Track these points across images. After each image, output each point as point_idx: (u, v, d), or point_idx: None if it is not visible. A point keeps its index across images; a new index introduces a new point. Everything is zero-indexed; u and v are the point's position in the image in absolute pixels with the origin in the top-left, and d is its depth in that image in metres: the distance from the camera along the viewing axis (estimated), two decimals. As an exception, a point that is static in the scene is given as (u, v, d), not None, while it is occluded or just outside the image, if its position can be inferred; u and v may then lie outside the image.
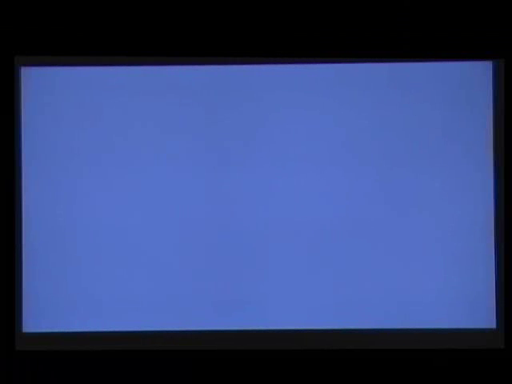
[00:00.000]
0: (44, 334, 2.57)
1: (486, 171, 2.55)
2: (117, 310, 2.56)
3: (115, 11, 2.55)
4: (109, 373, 2.56)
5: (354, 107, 2.56)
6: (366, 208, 2.55)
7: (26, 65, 2.58)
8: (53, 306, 2.57)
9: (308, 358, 2.54)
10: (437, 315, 2.54)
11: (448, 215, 2.54)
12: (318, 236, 2.55)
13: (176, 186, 2.57)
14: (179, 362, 2.56)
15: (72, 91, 2.58)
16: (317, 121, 2.56)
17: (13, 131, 2.57)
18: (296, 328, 2.55)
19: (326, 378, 2.54)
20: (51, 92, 2.58)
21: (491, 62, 2.56)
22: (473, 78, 2.56)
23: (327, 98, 2.56)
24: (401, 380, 2.54)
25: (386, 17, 2.54)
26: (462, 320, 2.54)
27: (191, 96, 2.58)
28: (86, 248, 2.57)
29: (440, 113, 2.55)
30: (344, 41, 2.54)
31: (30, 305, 2.57)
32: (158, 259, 2.57)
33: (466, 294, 2.54)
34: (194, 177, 2.57)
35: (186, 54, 2.55)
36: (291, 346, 2.55)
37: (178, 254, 2.57)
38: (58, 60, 2.57)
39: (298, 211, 2.55)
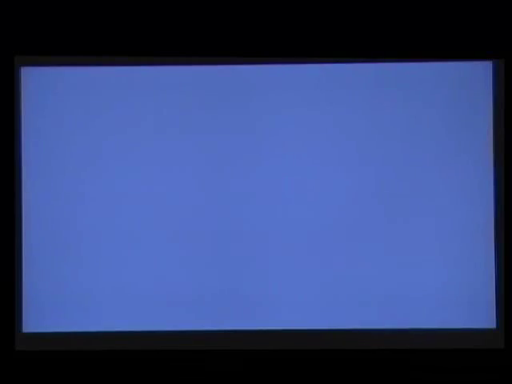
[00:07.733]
0: (44, 334, 2.57)
1: (485, 171, 2.55)
2: (117, 310, 2.56)
3: (115, 11, 2.55)
4: (108, 373, 2.56)
5: (353, 107, 2.56)
6: (366, 207, 2.55)
7: (26, 65, 2.58)
8: (53, 305, 2.57)
9: (308, 358, 2.55)
10: (437, 315, 2.54)
11: (448, 215, 2.54)
12: (318, 236, 2.55)
13: (177, 185, 2.57)
14: (179, 362, 2.56)
15: (72, 91, 2.58)
16: (317, 121, 2.56)
17: (13, 131, 2.57)
18: (296, 328, 2.55)
19: (326, 377, 2.54)
20: (51, 92, 2.59)
21: (491, 62, 2.56)
22: (473, 78, 2.56)
23: (327, 98, 2.56)
24: (400, 380, 2.54)
25: (386, 17, 2.54)
26: (462, 320, 2.54)
27: (191, 96, 2.58)
28: (85, 248, 2.57)
29: (440, 113, 2.55)
30: (344, 41, 2.54)
31: (30, 305, 2.57)
32: (158, 259, 2.56)
33: (466, 294, 2.54)
34: (195, 177, 2.57)
35: (187, 54, 2.55)
36: (291, 346, 2.55)
37: (178, 254, 2.56)
38: (58, 60, 2.57)
39: (298, 210, 2.55)
